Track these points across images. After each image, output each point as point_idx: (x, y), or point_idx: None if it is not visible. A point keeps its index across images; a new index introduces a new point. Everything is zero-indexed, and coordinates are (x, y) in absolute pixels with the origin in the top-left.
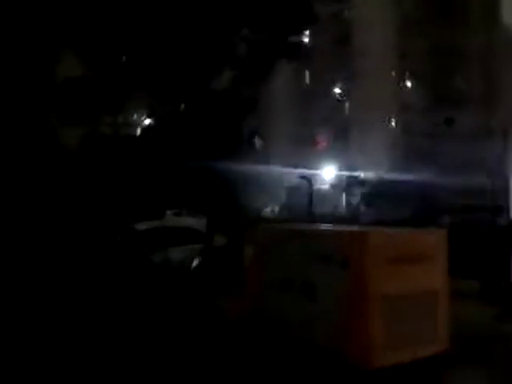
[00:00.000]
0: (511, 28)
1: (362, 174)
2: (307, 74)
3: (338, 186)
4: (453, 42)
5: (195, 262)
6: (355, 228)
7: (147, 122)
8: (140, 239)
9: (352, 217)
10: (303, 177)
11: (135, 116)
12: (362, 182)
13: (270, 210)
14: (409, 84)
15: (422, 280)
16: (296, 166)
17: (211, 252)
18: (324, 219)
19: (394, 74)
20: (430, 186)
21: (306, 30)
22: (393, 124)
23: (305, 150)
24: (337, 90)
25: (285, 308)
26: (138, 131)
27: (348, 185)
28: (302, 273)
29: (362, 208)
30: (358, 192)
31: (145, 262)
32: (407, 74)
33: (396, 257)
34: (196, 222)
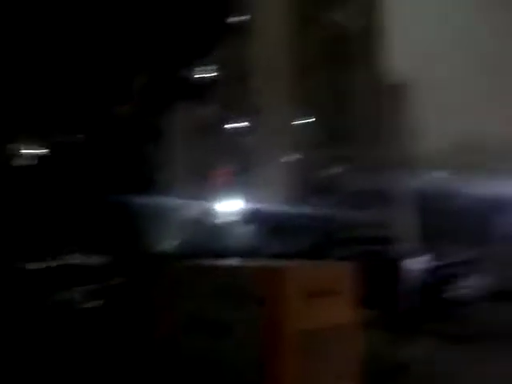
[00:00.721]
0: (391, 71)
1: (263, 206)
2: (210, 108)
3: (241, 218)
4: (344, 82)
5: (92, 303)
6: (268, 262)
7: (40, 152)
8: (30, 280)
9: (255, 250)
10: (207, 209)
11: (28, 147)
12: (263, 215)
13: (171, 244)
14: (305, 121)
15: (335, 314)
16: (198, 199)
17: (109, 291)
18: (228, 253)
19: (290, 110)
20: (326, 218)
21: (199, 64)
22: (291, 158)
23: (207, 182)
24: (238, 124)
25: (198, 348)
26: (30, 162)
27: (250, 217)
28: (215, 311)
29: (264, 240)
30: (259, 224)
31: (35, 304)
32: (303, 111)
33: (311, 291)
34: (92, 260)
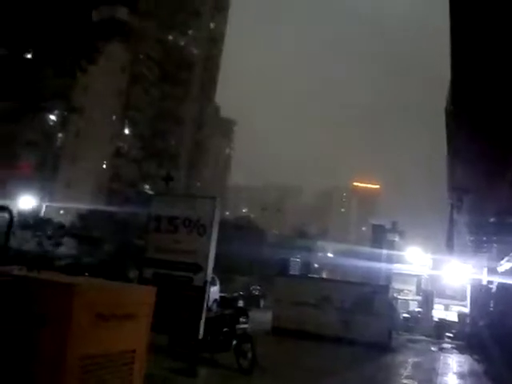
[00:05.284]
0: (219, 107)
1: (61, 211)
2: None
3: (33, 219)
4: (173, 107)
5: None
6: (54, 275)
7: None
8: None
9: (45, 258)
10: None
11: None
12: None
13: None
14: (127, 132)
15: (126, 339)
16: None
17: None
18: (13, 259)
19: (114, 118)
20: (128, 236)
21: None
22: (104, 166)
23: (5, 173)
24: (52, 117)
25: None
26: None
27: (42, 220)
28: None
29: (56, 248)
30: (52, 229)
31: None
32: (127, 122)
33: (104, 314)
34: None
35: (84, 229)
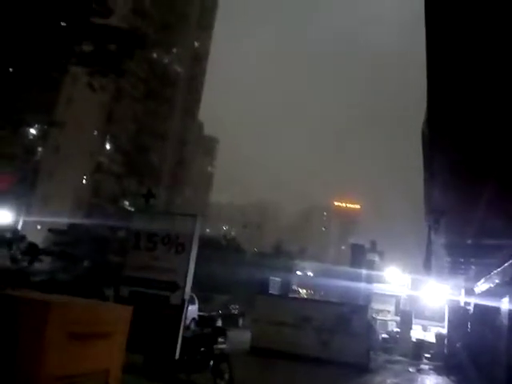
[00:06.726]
0: (203, 125)
1: (38, 226)
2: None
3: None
4: (157, 124)
5: None
6: (31, 294)
7: None
8: None
9: (19, 273)
10: None
11: None
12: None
13: None
14: (109, 147)
15: (99, 358)
16: None
17: None
18: None
19: (96, 133)
20: (106, 253)
21: None
22: (84, 181)
23: None
24: (32, 131)
25: None
26: None
27: (17, 236)
28: None
29: (32, 263)
30: (26, 244)
31: None
32: (109, 137)
33: (78, 332)
34: None
35: (60, 245)
